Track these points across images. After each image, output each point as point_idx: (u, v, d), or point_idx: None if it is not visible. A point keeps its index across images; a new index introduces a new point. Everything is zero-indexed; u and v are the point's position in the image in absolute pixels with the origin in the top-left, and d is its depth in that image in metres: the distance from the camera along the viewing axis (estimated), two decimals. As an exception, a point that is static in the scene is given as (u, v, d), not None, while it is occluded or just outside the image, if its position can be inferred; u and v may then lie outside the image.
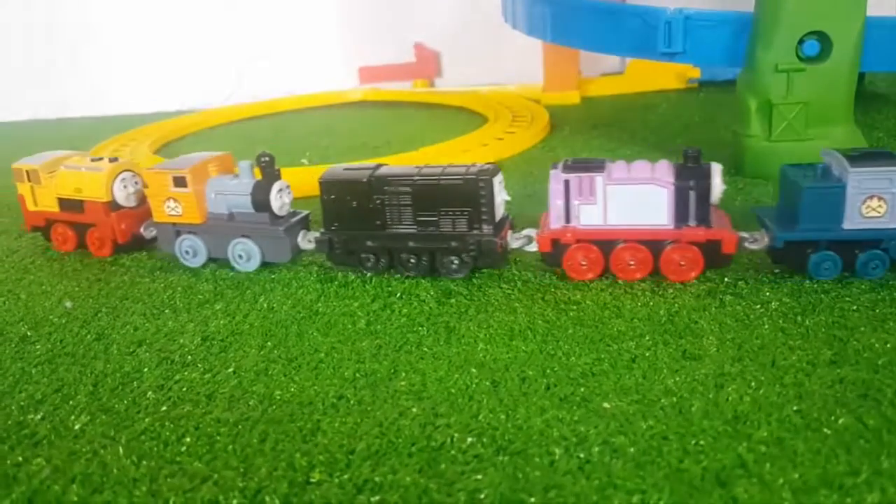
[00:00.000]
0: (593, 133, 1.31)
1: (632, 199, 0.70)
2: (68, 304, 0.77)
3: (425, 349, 0.62)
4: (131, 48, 1.94)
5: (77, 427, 0.55)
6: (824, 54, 0.92)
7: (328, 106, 1.80)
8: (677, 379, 0.55)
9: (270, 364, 0.62)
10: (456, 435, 0.50)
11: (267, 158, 0.79)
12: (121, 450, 0.52)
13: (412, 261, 0.75)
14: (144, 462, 0.50)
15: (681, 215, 0.69)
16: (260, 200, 0.78)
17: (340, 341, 0.64)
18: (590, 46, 1.16)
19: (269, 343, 0.65)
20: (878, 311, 0.62)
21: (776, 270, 0.70)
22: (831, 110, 0.94)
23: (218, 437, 0.52)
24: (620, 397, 0.53)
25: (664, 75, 1.62)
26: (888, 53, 0.99)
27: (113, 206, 0.86)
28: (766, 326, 0.61)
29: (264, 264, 0.81)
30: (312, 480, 0.47)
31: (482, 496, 0.45)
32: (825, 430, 0.48)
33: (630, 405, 0.52)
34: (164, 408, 0.57)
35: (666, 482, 0.44)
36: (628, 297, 0.68)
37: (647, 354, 0.58)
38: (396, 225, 0.75)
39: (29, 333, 0.71)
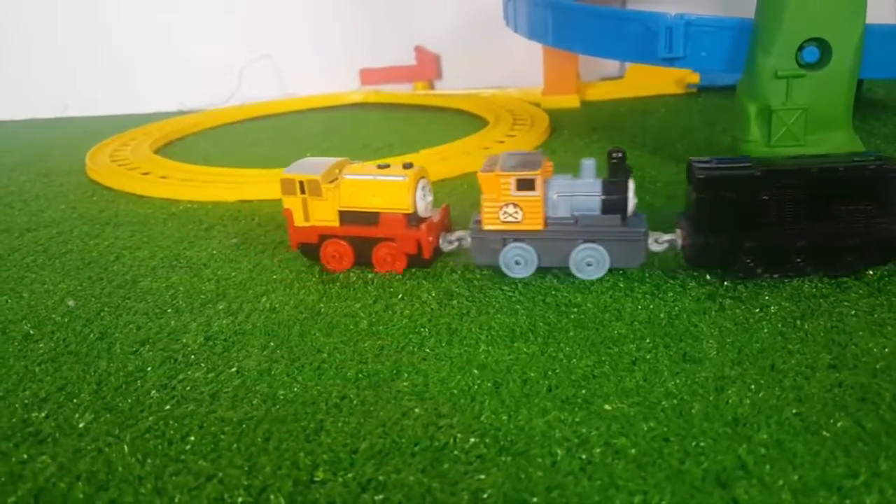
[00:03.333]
0: (593, 136, 1.31)
1: None
2: (71, 302, 0.77)
3: (427, 350, 0.62)
4: (132, 48, 1.94)
5: (81, 425, 0.55)
6: (824, 61, 0.92)
7: (329, 107, 1.80)
8: (678, 381, 0.55)
9: (273, 364, 0.62)
10: (459, 435, 0.51)
11: (619, 155, 0.71)
12: (126, 448, 0.52)
13: (799, 261, 0.70)
14: (149, 460, 0.51)
15: None
16: (615, 201, 0.72)
17: (343, 342, 0.65)
18: (591, 51, 1.17)
19: (271, 343, 0.66)
20: (876, 315, 0.63)
21: (775, 274, 0.71)
22: (830, 116, 0.94)
23: (222, 436, 0.53)
24: (621, 399, 0.54)
25: (664, 80, 1.62)
26: (887, 60, 1.00)
27: (414, 217, 0.77)
28: (766, 330, 0.62)
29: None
30: (317, 479, 0.48)
31: (485, 496, 0.45)
32: (824, 432, 0.48)
33: (631, 407, 0.53)
34: (167, 406, 0.57)
35: (667, 483, 0.45)
36: (629, 300, 0.68)
37: (648, 357, 0.59)
38: (783, 222, 0.69)
39: (32, 332, 0.71)
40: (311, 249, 0.81)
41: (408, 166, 0.77)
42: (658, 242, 0.73)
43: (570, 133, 1.35)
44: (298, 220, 0.79)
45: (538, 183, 0.71)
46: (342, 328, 0.67)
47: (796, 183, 0.68)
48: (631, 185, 0.72)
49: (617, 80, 1.73)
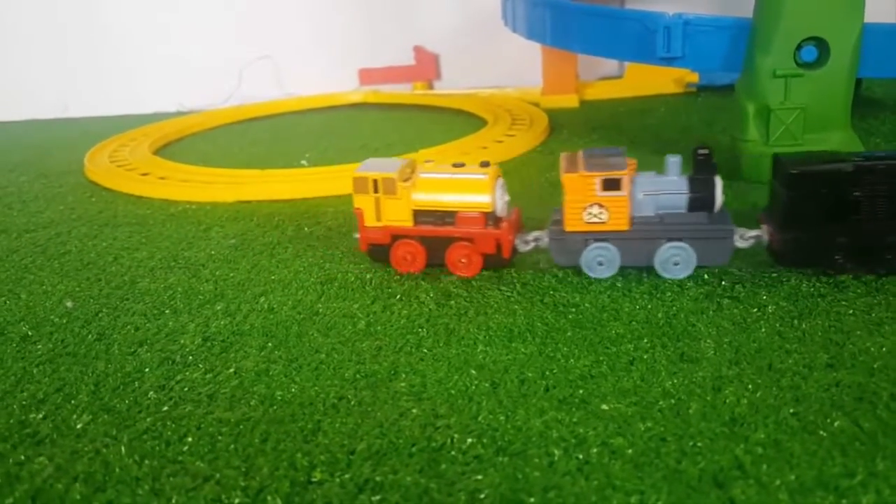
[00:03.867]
0: (592, 136, 1.31)
1: None
2: (69, 303, 0.77)
3: (425, 350, 0.62)
4: (131, 49, 1.94)
5: (79, 426, 0.55)
6: (822, 60, 0.92)
7: (328, 108, 1.80)
8: (675, 381, 0.55)
9: (271, 364, 0.62)
10: (456, 436, 0.51)
11: (706, 152, 0.71)
12: (123, 449, 0.52)
13: (889, 257, 0.69)
14: (147, 461, 0.51)
15: None
16: (703, 199, 0.71)
17: (341, 342, 0.65)
18: (589, 50, 1.17)
19: (269, 343, 0.66)
20: (873, 315, 0.63)
21: (774, 273, 0.71)
22: (829, 115, 0.94)
23: (219, 437, 0.53)
24: (619, 399, 0.54)
25: (663, 79, 1.62)
26: (886, 59, 1.00)
27: (492, 216, 0.75)
28: (763, 330, 0.62)
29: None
30: (314, 480, 0.48)
31: (482, 496, 0.45)
32: (821, 432, 0.48)
33: (628, 407, 0.53)
34: (165, 407, 0.57)
35: (664, 483, 0.45)
36: (627, 300, 0.68)
37: (646, 357, 0.59)
38: (875, 218, 0.68)
39: (30, 333, 0.71)
40: (380, 251, 0.78)
41: (485, 164, 0.75)
42: (743, 239, 0.72)
43: (569, 133, 1.35)
44: (370, 220, 0.77)
45: (625, 182, 0.70)
46: (340, 328, 0.67)
47: (889, 179, 0.68)
48: (718, 181, 0.71)
49: (616, 79, 1.73)
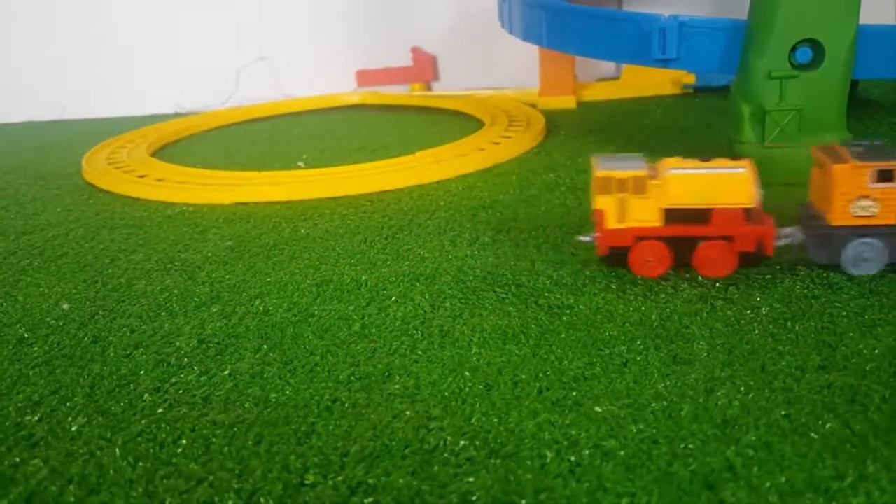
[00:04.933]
0: (589, 137, 1.31)
1: None
2: (65, 306, 0.77)
3: (419, 352, 0.63)
4: (128, 50, 1.94)
5: (74, 429, 0.56)
6: (817, 61, 0.93)
7: (325, 109, 1.80)
8: (668, 383, 0.55)
9: (266, 367, 0.62)
10: (449, 438, 0.51)
11: None
12: (117, 451, 0.52)
13: None
14: (141, 463, 0.51)
15: None
16: None
17: (336, 344, 0.65)
18: (585, 52, 1.17)
19: (264, 346, 0.66)
20: (867, 316, 0.63)
21: (768, 275, 0.71)
22: (824, 117, 0.95)
23: (214, 440, 0.53)
24: (611, 401, 0.54)
25: (660, 81, 1.62)
26: (881, 61, 1.00)
27: (751, 212, 0.72)
28: (757, 332, 0.62)
29: None
30: (307, 482, 0.48)
31: (474, 498, 0.45)
32: (812, 434, 0.49)
33: (621, 409, 0.53)
34: (160, 410, 0.57)
35: (655, 485, 0.45)
36: (621, 302, 0.68)
37: (639, 359, 0.59)
38: None
39: (26, 335, 0.72)
40: (621, 254, 0.74)
41: (736, 158, 0.73)
42: None
43: (566, 134, 1.35)
44: (612, 222, 0.73)
45: None
46: (335, 330, 0.67)
47: None
48: None
49: (613, 80, 1.73)
